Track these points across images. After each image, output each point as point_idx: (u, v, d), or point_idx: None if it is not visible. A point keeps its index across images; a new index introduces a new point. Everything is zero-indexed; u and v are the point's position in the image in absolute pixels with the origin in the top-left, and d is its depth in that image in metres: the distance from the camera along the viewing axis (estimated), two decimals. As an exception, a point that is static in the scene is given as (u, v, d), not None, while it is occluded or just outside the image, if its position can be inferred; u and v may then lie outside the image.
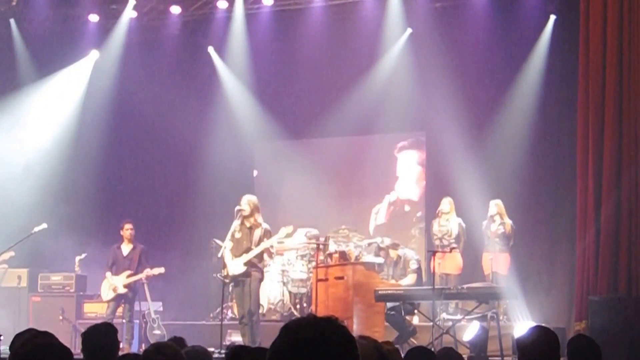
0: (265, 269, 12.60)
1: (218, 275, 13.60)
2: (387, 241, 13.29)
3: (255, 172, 17.52)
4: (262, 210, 12.30)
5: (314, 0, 16.11)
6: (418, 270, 12.60)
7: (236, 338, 12.92)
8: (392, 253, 12.95)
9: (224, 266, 12.17)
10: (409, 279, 12.43)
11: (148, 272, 13.48)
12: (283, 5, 16.42)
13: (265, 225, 12.13)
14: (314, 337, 2.42)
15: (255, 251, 11.95)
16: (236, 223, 12.02)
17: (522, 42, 15.08)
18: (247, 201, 12.12)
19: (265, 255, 12.35)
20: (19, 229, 14.55)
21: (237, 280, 12.09)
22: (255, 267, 12.03)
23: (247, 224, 12.06)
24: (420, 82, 15.36)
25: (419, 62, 15.43)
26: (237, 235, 12.08)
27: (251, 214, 12.04)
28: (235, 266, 12.01)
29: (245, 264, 11.96)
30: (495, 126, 14.99)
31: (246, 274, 11.98)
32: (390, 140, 16.69)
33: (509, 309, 12.86)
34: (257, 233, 12.00)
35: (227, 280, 12.30)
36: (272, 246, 12.24)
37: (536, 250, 14.64)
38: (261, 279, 12.26)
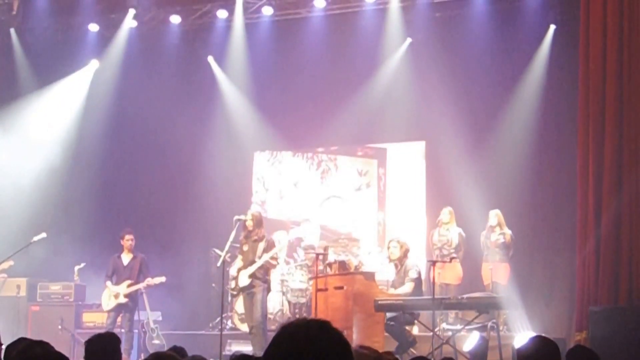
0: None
1: (216, 286, 13.62)
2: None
3: (254, 182, 17.51)
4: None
5: (313, 9, 16.12)
6: (417, 280, 12.52)
7: (236, 348, 12.94)
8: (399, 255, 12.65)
9: (232, 278, 12.66)
10: (407, 287, 12.35)
11: (149, 281, 13.49)
12: (283, 15, 16.43)
13: (269, 238, 12.52)
14: (307, 341, 2.42)
15: (257, 264, 12.27)
16: (234, 233, 12.18)
17: (522, 51, 15.10)
18: (251, 215, 12.49)
19: (271, 271, 12.80)
20: (18, 239, 14.54)
21: (245, 292, 12.44)
22: (260, 280, 12.36)
23: (253, 237, 12.43)
24: (420, 91, 15.37)
25: (419, 72, 15.44)
26: (245, 248, 12.51)
27: (254, 228, 12.38)
28: (242, 278, 12.40)
29: (250, 276, 12.33)
30: (495, 135, 14.99)
31: (251, 286, 12.32)
32: (389, 149, 16.69)
33: (509, 319, 12.85)
34: (261, 246, 12.37)
35: (234, 292, 12.81)
36: (275, 258, 12.50)
37: (536, 260, 14.62)
38: (267, 289, 12.62)
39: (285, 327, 2.49)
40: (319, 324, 2.49)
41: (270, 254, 12.31)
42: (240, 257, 12.66)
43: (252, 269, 12.28)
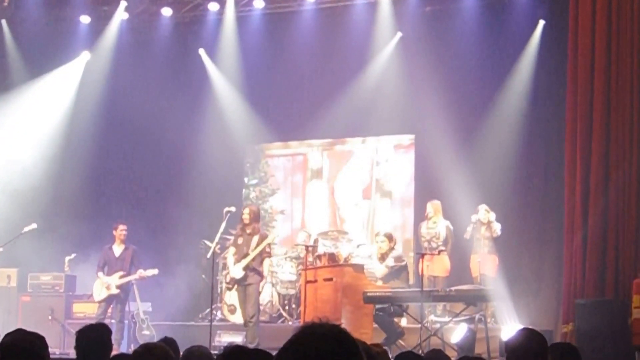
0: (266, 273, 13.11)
1: (205, 277, 13.68)
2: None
3: (244, 174, 17.55)
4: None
5: (304, 3, 16.17)
6: (394, 268, 12.47)
7: (225, 338, 13.03)
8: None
9: (228, 271, 13.00)
10: (382, 270, 12.40)
11: (141, 272, 13.53)
12: (274, 8, 16.47)
13: (263, 232, 12.81)
14: (325, 350, 2.44)
15: (251, 256, 12.47)
16: (224, 225, 12.45)
17: (512, 46, 15.16)
18: (248, 209, 12.83)
19: (266, 260, 12.83)
20: (9, 229, 14.57)
21: (239, 284, 12.60)
22: (255, 271, 12.56)
23: (248, 231, 12.64)
24: (409, 85, 15.41)
25: (409, 66, 15.49)
26: (239, 241, 12.74)
27: (250, 222, 12.62)
28: (236, 271, 12.57)
29: (244, 268, 12.51)
30: (484, 130, 15.04)
31: (245, 278, 12.50)
32: (380, 142, 16.76)
33: (496, 311, 12.90)
34: (255, 239, 12.56)
35: (229, 286, 12.97)
36: (268, 247, 12.72)
37: (524, 253, 14.70)
38: (260, 281, 12.80)
39: (299, 335, 2.47)
40: (336, 333, 2.51)
41: (263, 244, 12.50)
42: (233, 249, 12.80)
43: (245, 261, 12.45)
